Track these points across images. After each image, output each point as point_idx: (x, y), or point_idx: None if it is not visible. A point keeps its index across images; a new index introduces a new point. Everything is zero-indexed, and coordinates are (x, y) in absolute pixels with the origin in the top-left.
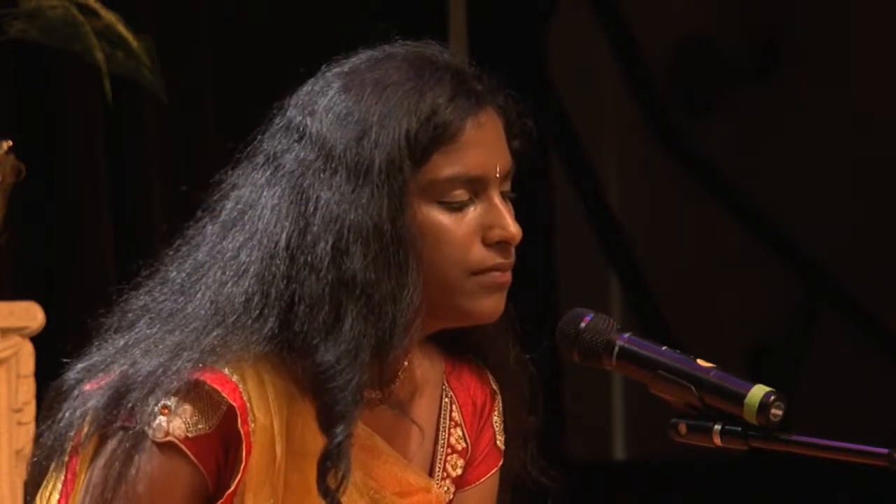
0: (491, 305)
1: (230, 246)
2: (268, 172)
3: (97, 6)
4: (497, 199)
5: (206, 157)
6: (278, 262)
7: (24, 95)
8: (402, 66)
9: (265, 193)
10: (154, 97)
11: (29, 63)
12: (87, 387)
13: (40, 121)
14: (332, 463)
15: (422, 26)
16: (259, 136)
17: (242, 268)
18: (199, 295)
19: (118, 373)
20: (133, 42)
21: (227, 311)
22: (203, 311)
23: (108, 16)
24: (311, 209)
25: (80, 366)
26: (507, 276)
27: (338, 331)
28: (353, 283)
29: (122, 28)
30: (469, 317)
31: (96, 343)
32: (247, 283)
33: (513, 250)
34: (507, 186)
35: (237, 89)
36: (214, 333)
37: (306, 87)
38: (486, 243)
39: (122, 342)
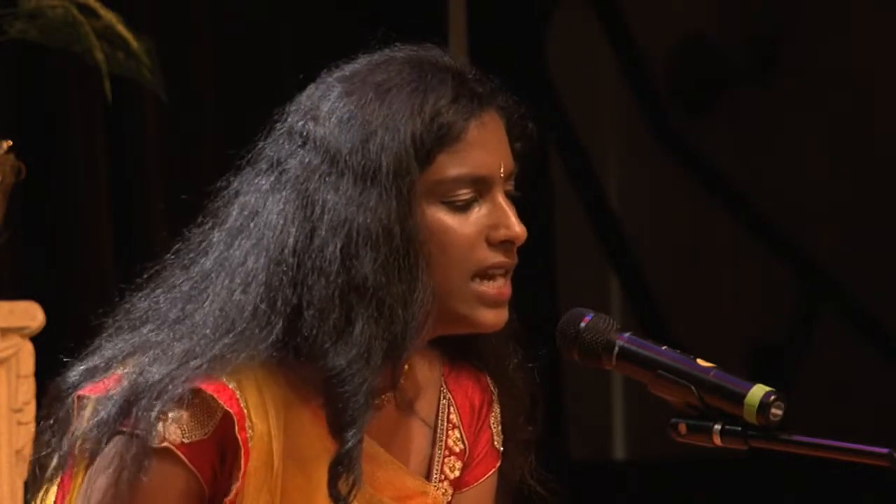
0: (492, 317)
1: (237, 253)
2: (272, 178)
3: (97, 6)
4: (501, 199)
5: (206, 157)
6: (285, 267)
7: (24, 95)
8: (403, 68)
9: (270, 199)
10: (154, 97)
11: (29, 63)
12: (87, 391)
13: (40, 121)
14: (343, 467)
15: (422, 26)
16: (261, 143)
17: (251, 275)
18: (207, 303)
19: (127, 381)
20: (133, 42)
21: (237, 319)
22: (212, 320)
23: (108, 16)
24: (318, 213)
25: (80, 367)
26: (507, 290)
27: (348, 335)
28: (363, 286)
29: (122, 28)
30: (469, 324)
31: (97, 344)
32: (255, 291)
33: (515, 251)
34: (510, 186)
35: (237, 89)
36: (224, 342)
37: (307, 93)
38: (491, 243)
39: (124, 346)
